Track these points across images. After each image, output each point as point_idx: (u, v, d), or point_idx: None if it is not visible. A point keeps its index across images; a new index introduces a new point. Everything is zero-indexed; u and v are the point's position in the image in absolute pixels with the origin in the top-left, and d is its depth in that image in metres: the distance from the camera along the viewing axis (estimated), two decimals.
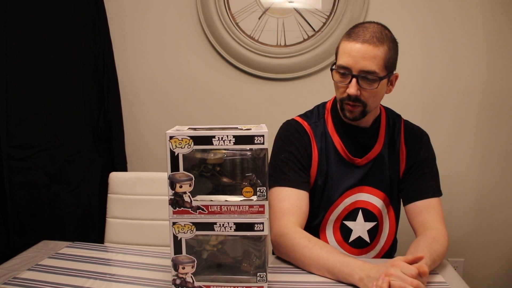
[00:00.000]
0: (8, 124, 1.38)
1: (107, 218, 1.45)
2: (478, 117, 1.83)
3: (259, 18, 1.81)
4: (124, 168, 1.81)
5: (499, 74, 1.79)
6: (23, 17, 1.41)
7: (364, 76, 1.04)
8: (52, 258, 1.08)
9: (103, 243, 1.44)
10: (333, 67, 1.10)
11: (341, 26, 1.74)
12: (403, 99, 1.83)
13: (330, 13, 1.78)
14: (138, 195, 1.44)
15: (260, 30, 1.81)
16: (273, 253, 1.11)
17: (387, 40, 1.06)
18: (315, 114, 1.21)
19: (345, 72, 1.06)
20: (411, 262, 0.87)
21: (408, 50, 1.80)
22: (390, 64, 1.07)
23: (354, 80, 1.04)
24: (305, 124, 1.18)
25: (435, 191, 1.13)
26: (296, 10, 1.79)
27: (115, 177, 1.46)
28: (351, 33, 1.07)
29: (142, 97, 1.92)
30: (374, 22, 1.09)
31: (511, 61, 1.79)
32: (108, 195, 1.46)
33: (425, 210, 1.10)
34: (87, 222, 1.62)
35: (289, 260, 1.03)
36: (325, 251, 0.95)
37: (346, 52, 1.05)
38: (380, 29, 1.07)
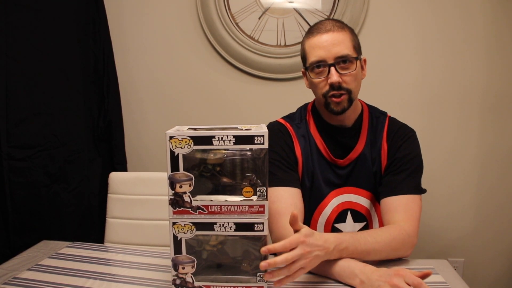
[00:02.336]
0: (8, 124, 1.39)
1: (107, 218, 1.45)
2: (479, 117, 1.83)
3: (259, 18, 1.81)
4: (124, 168, 1.81)
5: (500, 74, 1.79)
6: (23, 17, 1.41)
7: (339, 62, 1.06)
8: (52, 258, 1.08)
9: (103, 243, 1.44)
10: (306, 68, 1.11)
11: None
12: (403, 100, 1.84)
13: (330, 13, 1.78)
14: (138, 195, 1.44)
15: (260, 30, 1.81)
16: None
17: (346, 26, 1.11)
18: (298, 116, 1.22)
19: (320, 65, 1.07)
20: (420, 277, 0.82)
21: (408, 50, 1.80)
22: (357, 46, 1.11)
23: (332, 68, 1.06)
24: (287, 125, 1.19)
25: (411, 188, 1.08)
26: (296, 10, 1.79)
27: (115, 177, 1.46)
28: (312, 31, 1.10)
29: (142, 97, 1.92)
30: (327, 19, 1.15)
31: (511, 61, 1.79)
32: (108, 195, 1.46)
33: (396, 208, 1.06)
34: (87, 222, 1.62)
35: None
36: None
37: (316, 47, 1.07)
38: (336, 20, 1.12)
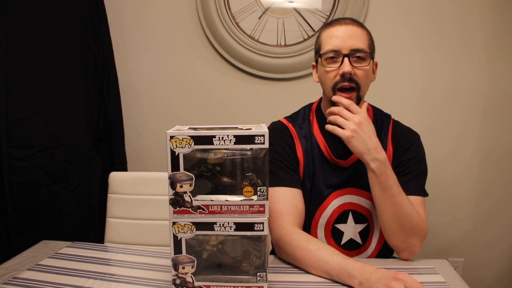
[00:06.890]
0: (8, 124, 1.39)
1: (107, 218, 1.45)
2: (478, 119, 1.83)
3: (259, 18, 1.81)
4: (124, 168, 1.81)
5: (499, 76, 1.79)
6: (23, 17, 1.41)
7: (354, 54, 1.05)
8: (52, 258, 1.08)
9: (103, 243, 1.44)
10: (320, 56, 1.09)
11: None
12: (403, 100, 1.84)
13: (330, 13, 1.78)
14: (138, 195, 1.44)
15: (260, 30, 1.81)
16: (271, 253, 1.11)
17: (365, 27, 1.11)
18: (301, 116, 1.21)
19: (334, 56, 1.06)
20: None
21: (408, 50, 1.80)
22: (372, 46, 1.11)
23: (346, 59, 1.05)
24: (289, 126, 1.18)
25: (418, 190, 1.10)
26: (296, 10, 1.79)
27: (115, 177, 1.46)
28: (331, 22, 1.11)
29: (142, 97, 1.92)
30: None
31: (509, 63, 1.79)
32: (108, 195, 1.46)
33: None
34: (87, 222, 1.62)
35: (290, 261, 1.03)
36: (325, 252, 0.95)
37: (333, 36, 1.07)
38: (356, 20, 1.12)
